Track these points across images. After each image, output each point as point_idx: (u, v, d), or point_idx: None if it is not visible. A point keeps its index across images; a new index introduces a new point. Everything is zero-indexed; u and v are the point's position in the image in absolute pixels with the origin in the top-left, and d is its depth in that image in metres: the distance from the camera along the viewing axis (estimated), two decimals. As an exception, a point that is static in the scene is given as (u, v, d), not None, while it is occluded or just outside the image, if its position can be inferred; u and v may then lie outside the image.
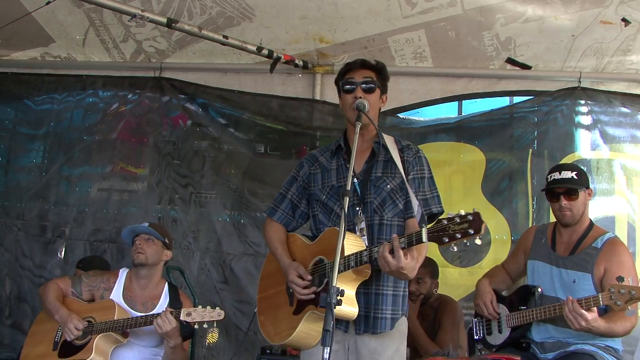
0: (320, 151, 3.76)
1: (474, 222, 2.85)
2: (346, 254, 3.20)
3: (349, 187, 3.10)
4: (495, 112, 5.77)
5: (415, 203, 3.33)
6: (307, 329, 3.36)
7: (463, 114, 6.69)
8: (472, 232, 2.85)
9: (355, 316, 3.30)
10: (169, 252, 4.51)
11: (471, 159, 5.64)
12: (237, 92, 6.04)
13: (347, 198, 3.06)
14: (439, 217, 3.01)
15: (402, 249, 3.05)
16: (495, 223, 5.48)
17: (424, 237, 2.96)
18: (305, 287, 3.36)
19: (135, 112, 6.19)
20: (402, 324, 3.48)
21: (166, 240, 4.50)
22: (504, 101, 6.17)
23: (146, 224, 4.53)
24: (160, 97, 6.16)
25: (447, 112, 6.85)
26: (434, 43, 5.40)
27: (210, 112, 6.14)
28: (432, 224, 2.97)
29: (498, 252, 5.38)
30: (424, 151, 3.63)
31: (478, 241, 2.85)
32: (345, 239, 3.08)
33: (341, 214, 3.06)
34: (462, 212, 2.89)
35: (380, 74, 3.57)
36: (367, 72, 3.54)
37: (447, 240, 2.89)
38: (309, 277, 3.36)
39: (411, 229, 3.38)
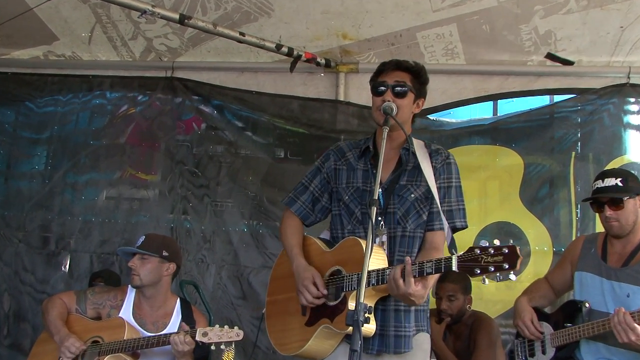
0: (349, 145, 3.76)
1: (510, 256, 2.85)
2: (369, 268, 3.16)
3: (375, 196, 3.09)
4: (534, 112, 5.72)
5: (446, 225, 3.36)
6: (319, 342, 3.38)
7: (499, 114, 6.60)
8: (506, 266, 2.84)
9: (372, 334, 3.31)
10: (171, 265, 4.47)
11: (508, 163, 5.60)
12: (255, 93, 6.06)
13: (375, 208, 3.04)
14: (472, 246, 2.95)
15: (428, 274, 3.07)
16: (535, 233, 5.45)
17: (454, 266, 2.97)
18: (317, 298, 3.37)
19: (145, 114, 6.21)
20: (425, 342, 3.49)
21: (164, 254, 4.45)
22: (544, 100, 6.17)
23: (141, 239, 4.48)
24: (173, 99, 6.18)
25: (481, 112, 6.78)
26: (467, 38, 5.39)
27: (226, 114, 6.16)
28: (464, 252, 2.96)
29: (538, 265, 5.32)
30: (456, 155, 3.64)
31: (512, 277, 2.85)
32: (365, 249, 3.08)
33: (361, 218, 3.20)
34: (497, 243, 2.89)
35: (416, 77, 3.56)
36: (401, 75, 3.53)
37: (478, 272, 2.88)
38: (325, 291, 3.37)
39: (429, 243, 3.42)
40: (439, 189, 3.47)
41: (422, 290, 3.11)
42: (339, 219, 3.61)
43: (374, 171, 3.42)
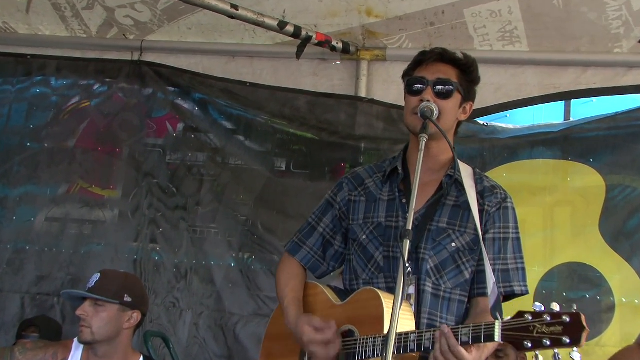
0: (368, 170, 3.68)
1: (573, 327, 2.67)
2: (387, 331, 2.98)
3: (409, 226, 2.93)
4: (621, 117, 5.42)
5: (491, 277, 3.18)
6: None
7: (572, 119, 6.13)
8: (567, 340, 2.66)
9: None
10: (135, 314, 4.31)
11: (584, 185, 5.35)
12: (250, 85, 5.87)
13: (408, 241, 2.90)
14: (522, 311, 2.81)
15: (464, 343, 2.92)
16: (621, 279, 5.17)
17: (497, 336, 2.81)
18: (329, 342, 3.22)
19: (103, 109, 6.00)
20: None
21: (126, 299, 4.29)
22: (634, 101, 5.67)
23: (94, 278, 4.30)
24: (141, 90, 5.98)
25: (548, 116, 6.36)
26: (532, 17, 5.16)
27: (211, 112, 5.99)
28: (510, 318, 2.82)
29: (627, 323, 5.09)
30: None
31: (576, 355, 2.66)
32: (388, 308, 3.02)
33: (383, 264, 3.23)
34: (556, 308, 2.71)
35: (465, 74, 3.46)
36: (445, 69, 3.43)
37: (529, 345, 2.73)
38: (332, 330, 3.20)
39: (482, 308, 3.32)
40: (492, 240, 3.38)
41: (478, 354, 2.98)
42: (352, 265, 3.54)
43: (404, 201, 3.39)
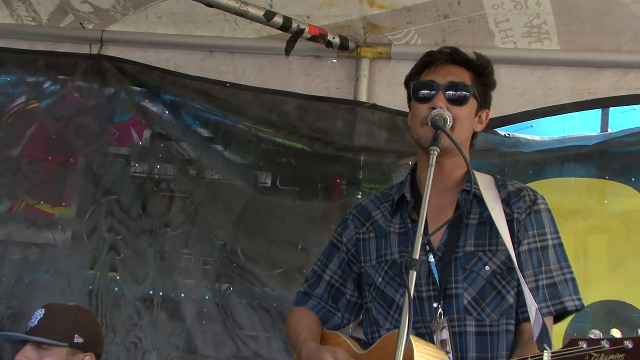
0: (374, 201, 3.61)
1: (637, 354, 2.58)
2: None
3: (416, 255, 2.83)
4: None
5: (532, 303, 3.09)
6: None
7: (610, 130, 6.02)
8: None
9: None
10: (88, 357, 4.14)
11: (624, 209, 5.19)
12: (230, 86, 5.71)
13: (415, 273, 2.80)
14: (575, 338, 2.71)
15: None
16: None
17: None
18: None
19: (55, 112, 5.83)
20: None
21: (76, 339, 4.12)
22: None
23: (37, 315, 4.16)
24: (101, 89, 5.81)
25: (582, 126, 6.44)
26: (564, 9, 5.01)
27: (183, 116, 5.82)
28: (563, 347, 2.73)
29: None
30: (541, 192, 3.44)
31: None
32: (416, 351, 2.91)
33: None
34: (617, 334, 2.60)
35: (481, 76, 3.38)
36: (459, 71, 3.34)
37: None
38: None
39: (529, 334, 3.20)
40: (528, 252, 3.26)
41: None
42: (371, 315, 3.46)
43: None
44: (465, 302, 3.24)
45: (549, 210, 3.36)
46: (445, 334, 3.22)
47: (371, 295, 3.44)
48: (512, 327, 3.26)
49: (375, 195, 3.67)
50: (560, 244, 3.32)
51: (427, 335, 3.24)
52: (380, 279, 3.41)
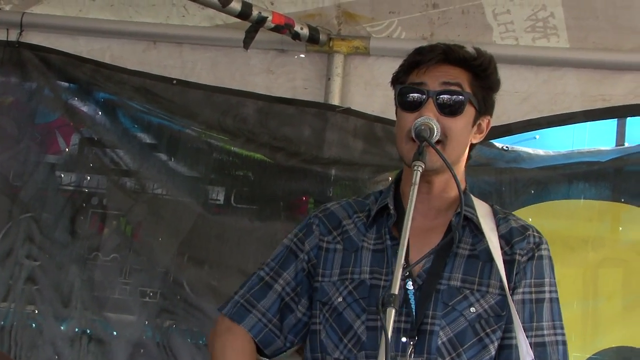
0: (346, 208, 3.39)
1: None
2: None
3: (395, 290, 2.58)
4: None
5: (527, 354, 2.99)
6: None
7: (627, 144, 5.72)
8: None
9: None
10: None
11: None
12: (177, 83, 5.37)
13: (394, 311, 2.56)
14: None
15: None
16: None
17: None
18: None
19: None
20: None
21: None
22: None
23: None
24: (21, 84, 5.50)
25: (594, 139, 6.11)
26: (575, 1, 4.86)
27: (120, 118, 5.49)
28: None
29: None
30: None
31: None
32: None
33: (366, 337, 2.95)
34: None
35: (481, 78, 3.17)
36: (455, 72, 3.13)
37: None
38: None
39: None
40: (521, 302, 3.15)
41: None
42: (319, 339, 3.23)
43: (397, 250, 2.98)
44: (439, 342, 3.04)
45: (550, 258, 3.19)
46: None
47: (323, 316, 3.19)
48: None
49: (347, 201, 3.40)
50: (557, 299, 3.18)
51: None
52: (340, 299, 3.15)
